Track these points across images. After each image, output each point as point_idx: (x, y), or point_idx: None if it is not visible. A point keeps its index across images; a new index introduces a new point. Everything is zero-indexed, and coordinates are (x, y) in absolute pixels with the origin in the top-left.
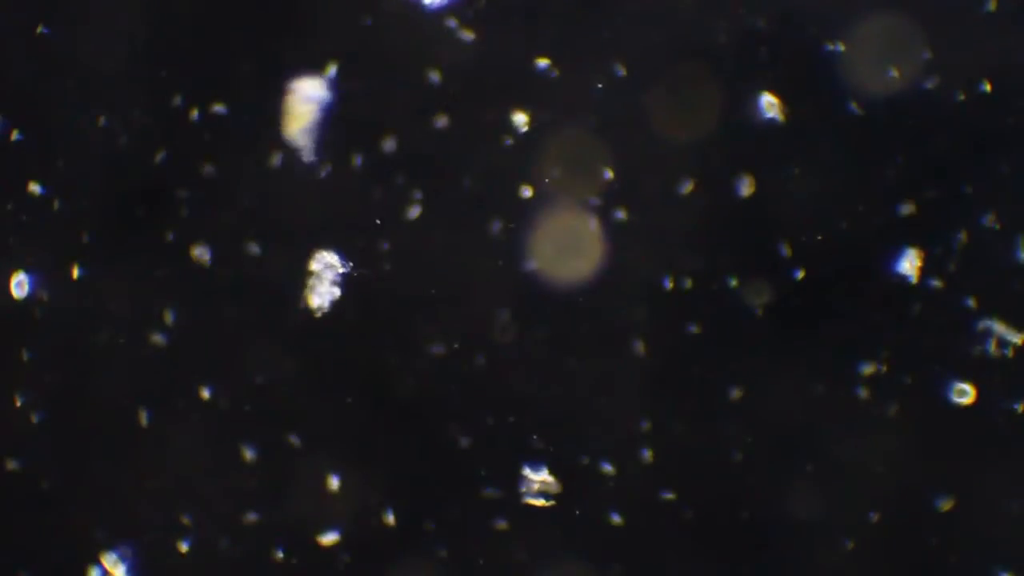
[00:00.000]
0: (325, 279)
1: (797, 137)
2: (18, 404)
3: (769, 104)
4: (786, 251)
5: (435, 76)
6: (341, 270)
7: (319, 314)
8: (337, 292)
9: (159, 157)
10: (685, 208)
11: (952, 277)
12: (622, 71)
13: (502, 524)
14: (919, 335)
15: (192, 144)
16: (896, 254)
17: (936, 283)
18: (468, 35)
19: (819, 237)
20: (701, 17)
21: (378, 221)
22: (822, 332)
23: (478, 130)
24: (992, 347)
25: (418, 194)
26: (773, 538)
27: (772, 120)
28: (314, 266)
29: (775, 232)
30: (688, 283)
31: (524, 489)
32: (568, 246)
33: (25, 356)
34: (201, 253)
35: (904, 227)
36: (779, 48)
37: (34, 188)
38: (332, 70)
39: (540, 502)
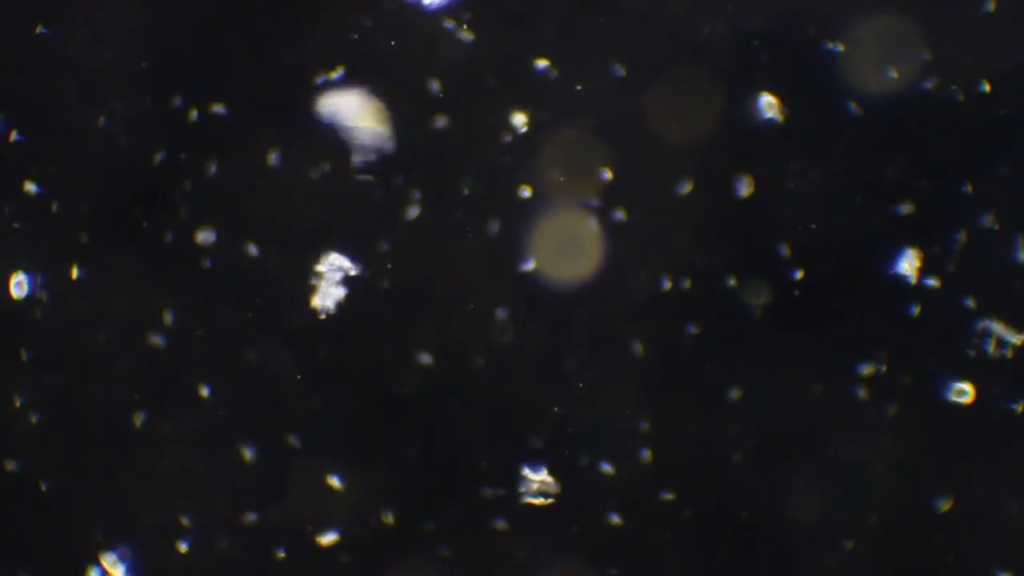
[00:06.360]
0: (325, 279)
1: (796, 137)
2: (18, 404)
3: (768, 104)
4: (785, 251)
5: (434, 77)
6: (341, 270)
7: (319, 314)
8: (337, 292)
9: (158, 157)
10: (684, 208)
11: (951, 277)
12: (621, 71)
13: (502, 524)
14: (918, 335)
15: (192, 144)
16: (895, 254)
17: (935, 283)
18: (467, 36)
19: (818, 237)
20: (700, 17)
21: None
22: (821, 332)
23: (477, 130)
24: (991, 347)
25: (417, 194)
26: (773, 538)
27: (771, 120)
28: (314, 266)
29: (774, 232)
30: (688, 283)
31: (524, 489)
32: (567, 246)
33: (25, 356)
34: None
35: (903, 227)
36: (778, 48)
37: (33, 188)
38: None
39: (540, 501)
